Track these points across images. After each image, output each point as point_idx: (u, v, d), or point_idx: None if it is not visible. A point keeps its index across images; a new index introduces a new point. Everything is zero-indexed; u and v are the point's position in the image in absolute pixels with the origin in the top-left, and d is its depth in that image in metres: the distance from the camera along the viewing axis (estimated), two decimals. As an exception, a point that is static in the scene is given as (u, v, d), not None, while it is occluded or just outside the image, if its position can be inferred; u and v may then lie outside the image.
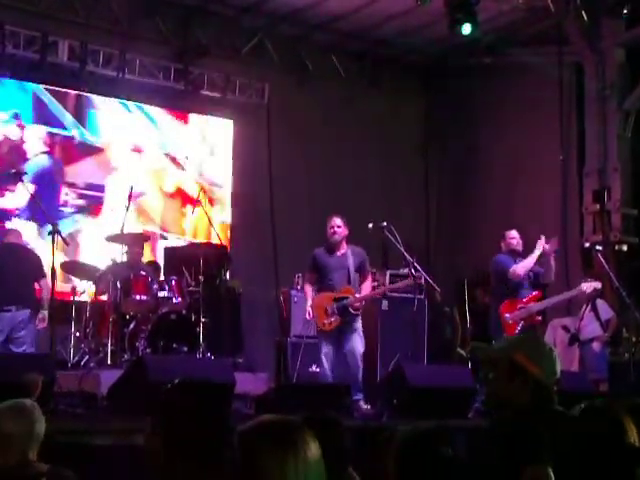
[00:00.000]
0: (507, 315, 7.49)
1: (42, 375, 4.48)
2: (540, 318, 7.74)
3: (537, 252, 7.59)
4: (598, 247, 8.64)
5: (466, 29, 9.09)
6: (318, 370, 7.58)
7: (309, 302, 7.39)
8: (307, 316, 7.39)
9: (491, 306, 7.81)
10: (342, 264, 7.39)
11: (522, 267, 7.55)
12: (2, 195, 8.36)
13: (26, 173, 7.85)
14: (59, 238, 6.71)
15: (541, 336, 2.51)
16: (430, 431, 2.57)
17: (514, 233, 7.83)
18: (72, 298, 8.07)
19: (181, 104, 10.41)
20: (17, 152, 8.29)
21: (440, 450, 2.58)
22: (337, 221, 7.38)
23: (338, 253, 7.37)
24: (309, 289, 7.49)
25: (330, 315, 7.21)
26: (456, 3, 9.00)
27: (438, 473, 2.50)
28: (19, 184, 7.63)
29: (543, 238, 7.64)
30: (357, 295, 7.31)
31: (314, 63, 11.08)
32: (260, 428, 1.89)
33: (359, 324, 7.32)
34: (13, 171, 7.54)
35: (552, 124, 10.61)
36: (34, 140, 8.60)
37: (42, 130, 9.02)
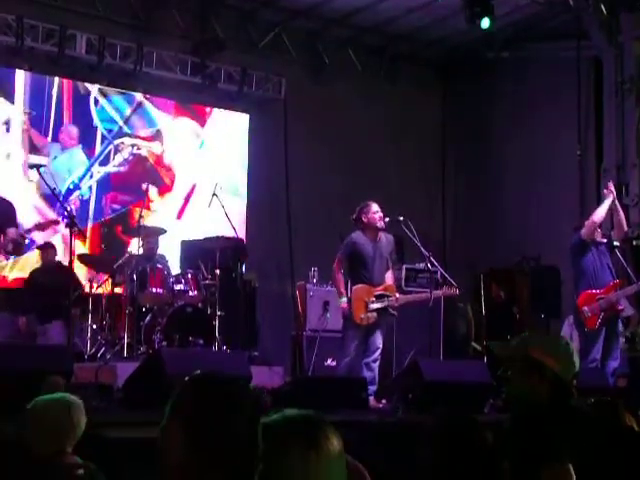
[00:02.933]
0: (585, 308, 7.30)
1: (64, 378, 4.51)
2: (622, 307, 7.53)
3: (608, 200, 7.38)
4: (616, 243, 8.57)
5: (484, 23, 9.05)
6: (334, 364, 7.58)
7: (342, 291, 7.12)
8: (342, 305, 7.09)
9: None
10: (381, 253, 7.21)
11: (598, 216, 7.30)
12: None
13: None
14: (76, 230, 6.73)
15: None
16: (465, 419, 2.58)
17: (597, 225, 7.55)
18: (89, 290, 8.10)
19: (198, 98, 10.42)
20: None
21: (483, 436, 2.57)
22: (378, 207, 7.24)
23: (377, 241, 7.18)
24: (341, 278, 7.18)
25: (369, 310, 7.10)
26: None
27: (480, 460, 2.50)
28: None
29: (611, 183, 7.48)
30: (398, 296, 7.24)
31: (331, 57, 11.06)
32: (283, 422, 1.87)
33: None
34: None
35: (570, 119, 10.56)
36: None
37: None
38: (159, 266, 8.11)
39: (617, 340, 7.54)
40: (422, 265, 8.05)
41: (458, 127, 12.00)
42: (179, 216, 8.95)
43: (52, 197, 7.37)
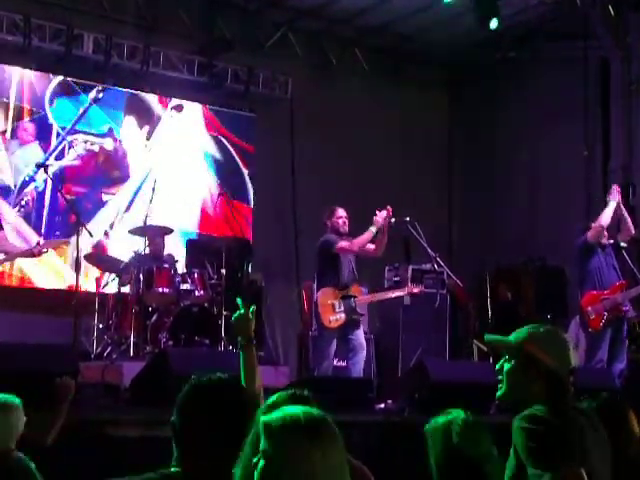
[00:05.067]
0: (589, 309, 7.28)
1: (73, 379, 4.52)
2: (627, 308, 7.49)
3: (613, 203, 7.34)
4: (623, 244, 8.55)
5: (493, 24, 9.04)
6: (341, 364, 7.59)
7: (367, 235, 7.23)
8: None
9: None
10: (347, 257, 7.38)
11: (604, 220, 7.28)
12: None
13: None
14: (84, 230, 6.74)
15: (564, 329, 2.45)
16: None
17: (603, 228, 7.53)
18: (95, 290, 8.11)
19: (204, 97, 10.43)
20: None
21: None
22: (344, 212, 7.40)
23: None
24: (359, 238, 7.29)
25: (336, 312, 7.18)
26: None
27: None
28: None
29: (615, 187, 7.44)
30: (362, 297, 7.34)
31: (337, 57, 11.06)
32: (283, 420, 1.88)
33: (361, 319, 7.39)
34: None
35: (576, 119, 10.53)
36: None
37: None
38: (165, 265, 8.11)
39: (623, 342, 7.51)
40: (429, 266, 8.05)
41: (464, 127, 11.99)
42: (127, 209, 8.87)
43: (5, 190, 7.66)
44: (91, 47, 9.37)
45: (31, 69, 9.19)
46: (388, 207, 7.26)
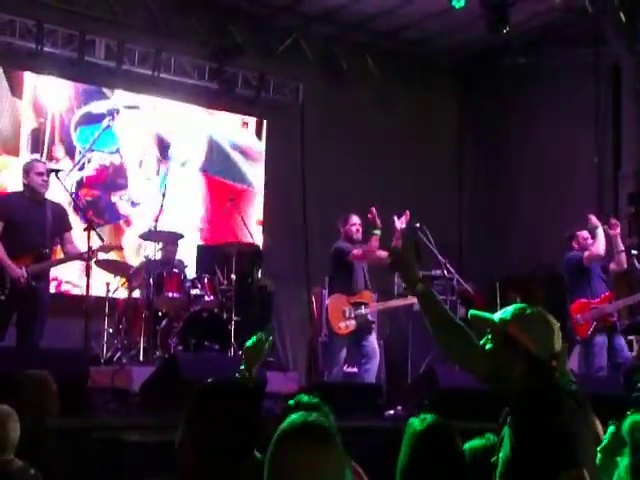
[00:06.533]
0: (578, 316, 7.38)
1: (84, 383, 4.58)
2: (615, 319, 7.59)
3: (600, 230, 7.48)
4: (634, 251, 8.54)
5: (503, 30, 9.04)
6: (350, 370, 7.59)
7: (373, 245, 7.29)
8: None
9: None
10: (360, 264, 7.40)
11: (598, 249, 7.44)
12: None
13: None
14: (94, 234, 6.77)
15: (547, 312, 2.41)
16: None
17: (586, 234, 7.72)
18: (106, 294, 8.14)
19: (215, 103, 10.45)
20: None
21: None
22: (358, 219, 7.42)
23: None
24: (366, 249, 7.36)
25: (347, 319, 7.18)
26: (493, 4, 8.96)
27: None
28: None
29: (591, 216, 7.56)
30: (374, 304, 7.35)
31: (348, 63, 11.07)
32: (288, 426, 1.91)
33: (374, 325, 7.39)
34: None
35: (587, 125, 10.52)
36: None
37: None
38: (176, 271, 8.13)
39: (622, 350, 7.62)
40: (438, 272, 8.04)
41: (475, 133, 11.98)
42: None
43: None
44: (103, 53, 9.42)
45: (43, 74, 9.28)
46: (407, 212, 7.29)
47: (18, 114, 9.18)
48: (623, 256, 7.61)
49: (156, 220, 7.97)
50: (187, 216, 10.13)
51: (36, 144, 9.15)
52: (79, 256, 6.82)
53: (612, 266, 7.68)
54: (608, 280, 7.68)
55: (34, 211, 6.44)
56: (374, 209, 7.28)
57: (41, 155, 9.06)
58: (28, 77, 9.28)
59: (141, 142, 9.98)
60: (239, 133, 10.73)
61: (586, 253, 7.51)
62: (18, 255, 6.33)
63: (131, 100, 9.92)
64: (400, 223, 7.25)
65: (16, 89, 9.19)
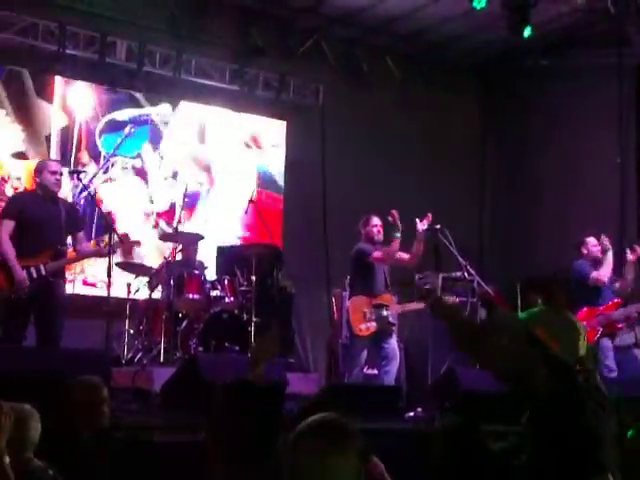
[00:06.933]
0: (584, 323, 7.38)
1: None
2: (621, 326, 7.60)
3: (611, 253, 7.53)
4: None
5: (525, 32, 8.99)
6: (371, 372, 7.58)
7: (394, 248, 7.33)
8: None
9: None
10: (381, 266, 7.39)
11: (606, 275, 7.53)
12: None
13: None
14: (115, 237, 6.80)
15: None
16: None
17: (595, 240, 7.78)
18: (126, 295, 8.18)
19: (235, 105, 10.47)
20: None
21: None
22: (379, 220, 7.43)
23: None
24: (386, 250, 7.41)
25: (367, 320, 7.18)
26: (515, 5, 8.91)
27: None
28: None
29: (603, 237, 7.58)
30: (395, 306, 7.34)
31: (369, 65, 11.05)
32: (308, 426, 1.91)
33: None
34: None
35: (610, 127, 10.45)
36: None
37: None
38: (196, 272, 8.16)
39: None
40: (459, 274, 8.02)
41: (496, 134, 11.93)
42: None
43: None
44: (124, 54, 9.47)
45: (65, 76, 9.35)
46: (429, 215, 7.29)
47: (48, 118, 9.33)
48: (630, 282, 7.64)
49: (178, 221, 8.01)
50: (228, 224, 10.28)
51: (64, 148, 9.37)
52: (97, 252, 6.89)
53: (617, 284, 7.72)
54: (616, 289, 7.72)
55: (48, 209, 6.47)
56: (395, 212, 7.27)
57: (69, 159, 9.25)
58: (58, 82, 9.40)
59: (176, 152, 10.24)
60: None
61: (593, 274, 7.62)
62: (36, 253, 6.37)
63: (164, 111, 10.16)
64: (422, 225, 7.24)
65: (45, 93, 9.32)
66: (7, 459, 3.10)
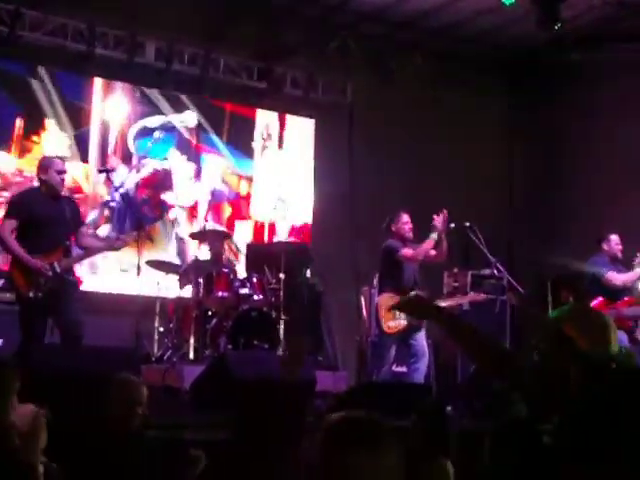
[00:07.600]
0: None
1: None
2: (631, 324, 7.54)
3: (638, 269, 7.51)
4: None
5: (555, 26, 8.91)
6: (400, 369, 7.56)
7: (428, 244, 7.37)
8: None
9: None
10: (411, 263, 7.37)
11: (622, 280, 7.48)
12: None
13: None
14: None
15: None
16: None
17: (618, 239, 7.71)
18: (156, 293, 8.22)
19: (263, 103, 10.49)
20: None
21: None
22: (409, 217, 7.41)
23: None
24: (420, 247, 7.44)
25: (397, 318, 7.16)
26: (544, 0, 8.84)
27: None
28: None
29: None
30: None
31: (398, 62, 11.00)
32: (342, 422, 1.90)
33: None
34: None
35: (642, 121, 10.33)
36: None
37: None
38: (225, 270, 8.18)
39: None
40: (488, 271, 7.98)
41: (526, 131, 11.83)
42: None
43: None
44: (153, 54, 9.52)
45: (95, 76, 9.43)
46: (444, 210, 7.25)
47: (89, 121, 9.61)
48: None
49: (205, 219, 8.04)
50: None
51: (102, 151, 9.68)
52: (109, 246, 6.90)
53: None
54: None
55: (53, 207, 6.46)
56: (446, 211, 7.26)
57: (104, 161, 9.61)
58: (97, 82, 9.62)
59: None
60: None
61: (608, 275, 7.62)
62: (50, 251, 6.36)
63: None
64: (437, 222, 7.19)
65: (87, 96, 9.55)
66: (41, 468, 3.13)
